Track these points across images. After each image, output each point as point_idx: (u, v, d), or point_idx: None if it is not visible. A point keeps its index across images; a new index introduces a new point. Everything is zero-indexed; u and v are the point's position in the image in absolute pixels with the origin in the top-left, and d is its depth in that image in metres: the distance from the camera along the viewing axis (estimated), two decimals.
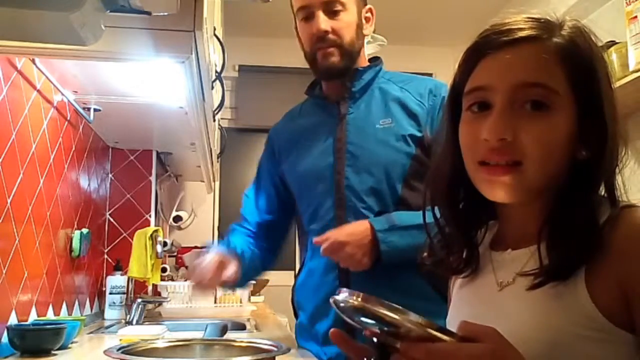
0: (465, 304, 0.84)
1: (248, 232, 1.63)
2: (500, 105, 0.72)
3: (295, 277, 1.61)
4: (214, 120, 2.51)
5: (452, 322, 0.83)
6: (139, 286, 2.70)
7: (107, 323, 2.30)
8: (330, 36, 1.44)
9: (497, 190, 0.74)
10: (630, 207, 0.71)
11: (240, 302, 2.68)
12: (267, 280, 3.47)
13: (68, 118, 2.06)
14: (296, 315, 1.61)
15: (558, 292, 0.69)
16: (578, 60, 0.72)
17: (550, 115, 0.71)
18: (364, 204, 1.42)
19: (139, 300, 2.30)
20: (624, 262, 0.66)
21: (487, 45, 0.74)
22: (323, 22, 1.43)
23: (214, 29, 1.97)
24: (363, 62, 1.54)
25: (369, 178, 1.43)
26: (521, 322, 0.71)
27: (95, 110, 2.06)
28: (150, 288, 2.84)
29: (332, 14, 1.44)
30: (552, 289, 0.69)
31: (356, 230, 1.35)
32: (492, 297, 0.78)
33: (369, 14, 1.53)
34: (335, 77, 1.49)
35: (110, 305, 2.42)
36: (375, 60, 1.58)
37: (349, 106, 1.50)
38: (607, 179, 0.73)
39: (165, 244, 2.78)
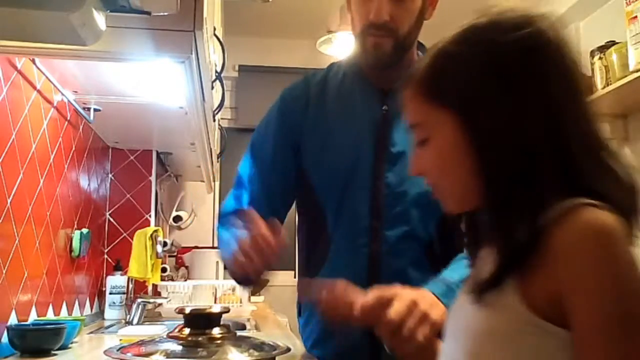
0: (455, 306, 0.85)
1: None
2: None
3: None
4: (214, 120, 2.51)
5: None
6: (139, 286, 2.70)
7: (107, 323, 2.30)
8: (388, 25, 1.26)
9: None
10: (582, 206, 0.66)
11: (240, 302, 2.68)
12: (267, 280, 3.47)
13: (68, 118, 2.06)
14: (300, 316, 1.46)
15: (492, 299, 0.70)
16: (443, 77, 0.76)
17: (428, 143, 0.78)
18: (404, 216, 1.27)
19: (139, 300, 2.30)
20: (560, 267, 0.64)
21: None
22: (384, 10, 1.25)
23: (214, 29, 1.97)
24: (413, 50, 1.37)
25: (413, 187, 1.26)
26: (467, 322, 0.74)
27: (95, 110, 2.06)
28: (150, 288, 2.84)
29: None
30: (488, 296, 0.70)
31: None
32: (463, 300, 0.80)
33: None
34: (382, 69, 1.33)
35: (110, 305, 2.42)
36: (421, 46, 1.41)
37: (394, 99, 1.33)
38: (557, 170, 0.69)
39: (165, 244, 2.78)
